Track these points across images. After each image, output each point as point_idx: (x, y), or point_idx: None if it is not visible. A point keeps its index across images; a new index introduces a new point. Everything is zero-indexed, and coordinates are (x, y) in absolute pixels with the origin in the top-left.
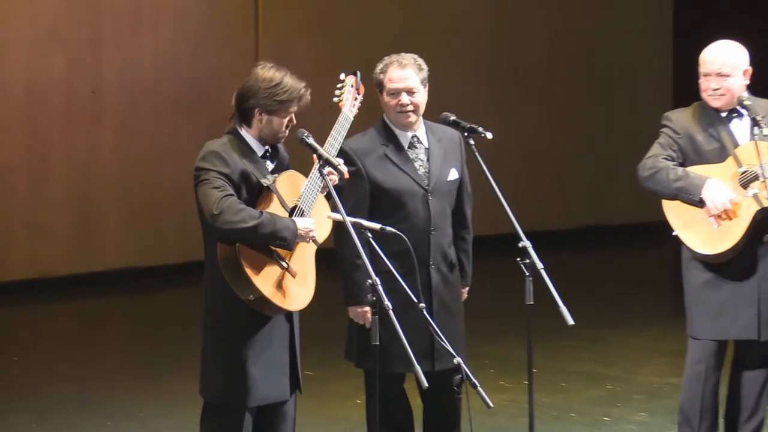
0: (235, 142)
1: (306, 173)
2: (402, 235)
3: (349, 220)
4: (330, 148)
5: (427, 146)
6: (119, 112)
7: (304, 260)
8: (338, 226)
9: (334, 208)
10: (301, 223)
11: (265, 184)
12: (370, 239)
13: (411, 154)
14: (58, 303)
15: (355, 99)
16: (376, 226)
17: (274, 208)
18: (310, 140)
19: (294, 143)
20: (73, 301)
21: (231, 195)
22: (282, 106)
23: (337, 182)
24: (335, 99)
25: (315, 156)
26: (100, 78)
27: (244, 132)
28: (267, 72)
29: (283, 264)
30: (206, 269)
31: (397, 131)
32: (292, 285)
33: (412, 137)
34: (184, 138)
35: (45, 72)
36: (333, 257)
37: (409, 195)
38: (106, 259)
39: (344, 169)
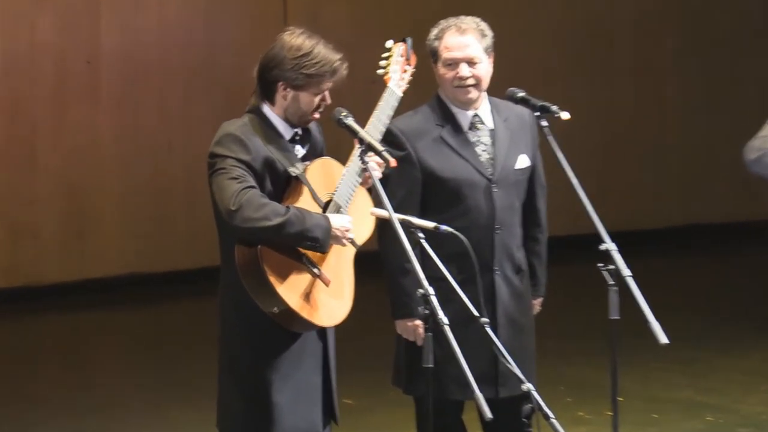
0: (258, 124)
1: (344, 161)
2: (460, 235)
3: (396, 216)
4: (374, 130)
5: (491, 127)
6: (119, 87)
7: (340, 266)
8: (383, 225)
9: (378, 203)
10: (337, 221)
11: (294, 174)
12: (422, 240)
13: (472, 136)
14: (45, 317)
15: (405, 71)
16: (429, 224)
17: (305, 202)
18: (349, 121)
19: (330, 125)
20: (63, 315)
21: (252, 187)
22: (311, 80)
23: (382, 171)
24: (380, 71)
25: (355, 140)
26: (96, 46)
27: (267, 110)
28: (296, 39)
29: (315, 270)
30: (222, 277)
31: (454, 109)
32: (325, 295)
33: (474, 116)
34: (197, 119)
35: (28, 37)
36: (376, 261)
37: (470, 186)
38: (103, 265)
39: (390, 155)
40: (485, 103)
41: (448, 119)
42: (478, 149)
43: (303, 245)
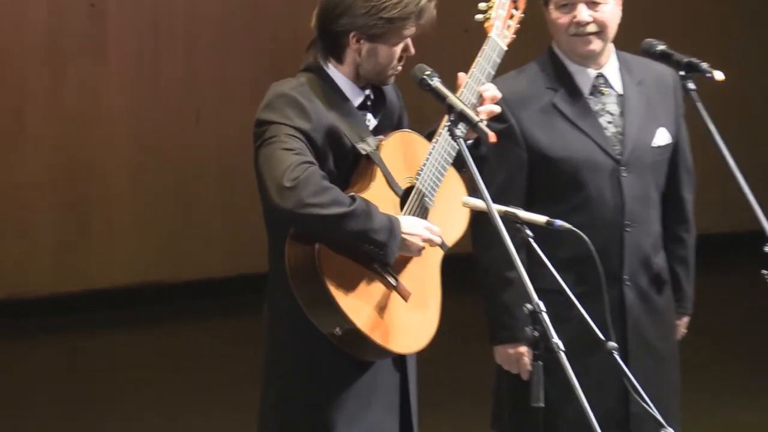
0: (319, 85)
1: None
2: (580, 233)
3: (496, 208)
4: (469, 95)
5: (620, 91)
6: (132, 40)
7: (422, 273)
8: (478, 220)
9: (474, 191)
10: (409, 225)
11: (364, 152)
12: (530, 240)
13: (594, 103)
14: (37, 336)
15: (510, 17)
16: (540, 218)
17: (377, 190)
18: (436, 82)
19: (410, 87)
20: (58, 333)
21: (312, 163)
22: (392, 26)
23: (479, 149)
24: (479, 17)
25: (445, 108)
26: None
27: (331, 69)
28: None
29: (390, 279)
30: (269, 286)
31: (572, 67)
32: (404, 313)
33: (597, 77)
34: (233, 78)
35: None
36: (470, 267)
37: (591, 169)
38: (111, 271)
39: (489, 130)
40: (612, 59)
41: (563, 81)
42: (603, 120)
43: (365, 250)
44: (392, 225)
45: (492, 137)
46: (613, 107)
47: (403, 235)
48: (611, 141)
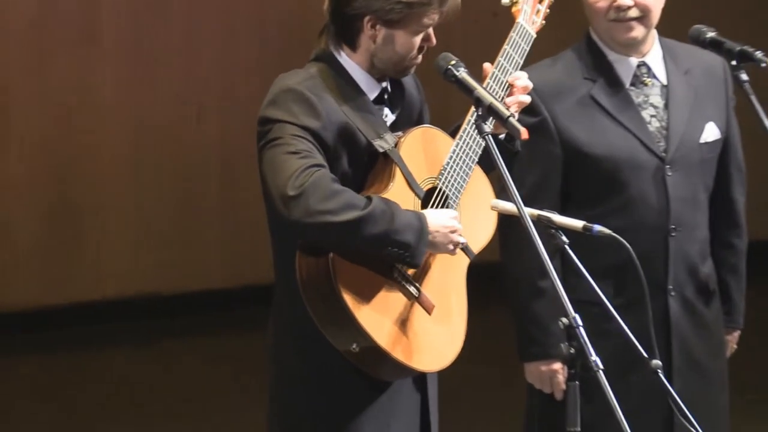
0: (331, 77)
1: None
2: (620, 239)
3: (528, 212)
4: (496, 87)
5: (664, 82)
6: (127, 23)
7: (447, 283)
8: (507, 224)
9: (503, 192)
10: (437, 219)
11: (381, 150)
12: (566, 247)
13: (636, 95)
14: (18, 353)
15: (540, 1)
16: (576, 223)
17: (397, 191)
18: (463, 73)
19: (432, 78)
20: (43, 350)
21: (320, 166)
22: (411, 12)
23: (509, 146)
24: (506, 2)
25: (473, 101)
26: None
27: (344, 59)
28: None
29: (411, 290)
30: (276, 299)
31: (611, 56)
32: (427, 327)
33: (639, 66)
34: (238, 67)
35: None
36: (497, 276)
37: (633, 168)
38: (101, 283)
39: (520, 125)
40: (656, 46)
41: (602, 70)
42: (646, 114)
43: (387, 253)
44: (420, 223)
45: (524, 133)
46: (656, 99)
47: (432, 231)
48: (655, 137)
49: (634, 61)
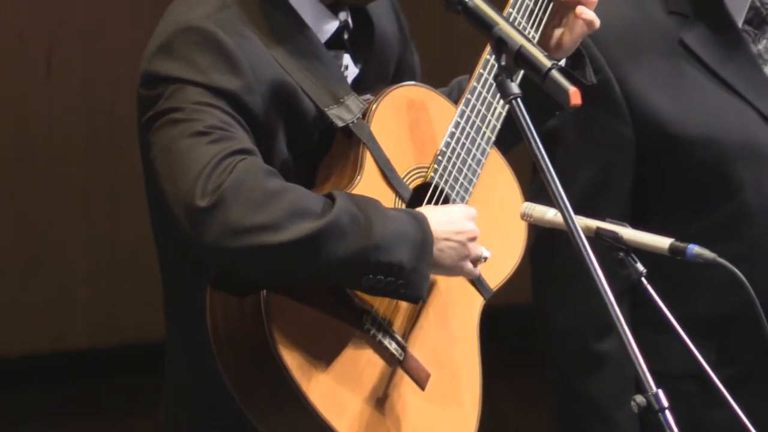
0: (257, 5)
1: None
2: (733, 269)
3: (581, 223)
4: (522, 20)
5: None
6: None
7: (448, 337)
8: (544, 245)
9: (540, 193)
10: (443, 220)
11: (341, 124)
12: (642, 281)
13: (756, 39)
14: None
15: None
16: (662, 242)
17: (366, 187)
18: None
19: (429, 17)
20: None
21: (246, 152)
22: None
23: (549, 117)
24: None
25: (492, 43)
26: None
27: None
28: None
29: (392, 348)
30: (167, 357)
31: None
32: (419, 409)
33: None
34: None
35: None
36: (525, 324)
37: (751, 159)
38: (30, 336)
39: (569, 83)
40: None
41: (700, 2)
42: None
43: (367, 285)
44: (419, 228)
45: (575, 96)
46: None
47: (438, 240)
48: None
49: None
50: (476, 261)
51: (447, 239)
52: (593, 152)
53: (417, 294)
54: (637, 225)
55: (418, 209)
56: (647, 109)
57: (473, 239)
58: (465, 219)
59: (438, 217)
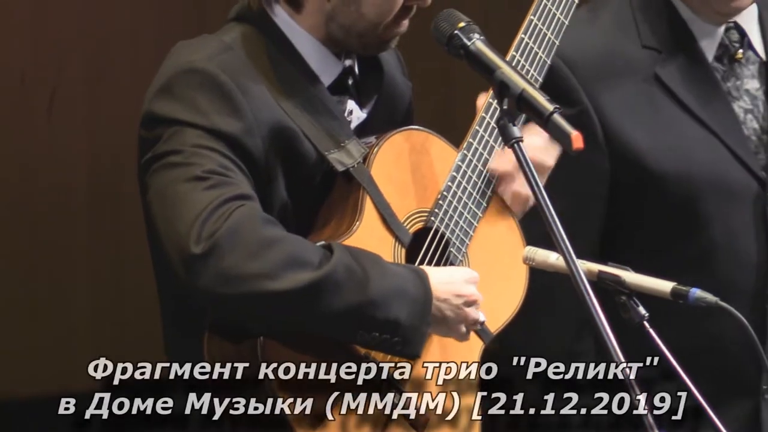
0: (261, 49)
1: (454, 139)
2: (735, 312)
3: (583, 267)
4: (526, 64)
5: (764, 57)
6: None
7: (450, 381)
8: (543, 289)
9: (537, 236)
10: (444, 281)
11: (341, 168)
12: (644, 324)
13: (725, 76)
14: None
15: None
16: (664, 285)
17: (365, 233)
18: (477, 42)
19: (421, 51)
20: None
21: (244, 198)
22: None
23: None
24: None
25: (494, 87)
26: None
27: (283, 19)
28: None
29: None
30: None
31: (685, 14)
32: None
33: (728, 31)
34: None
35: None
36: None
37: (720, 195)
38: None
39: (571, 128)
40: (752, 7)
41: (673, 36)
42: (739, 107)
43: (362, 340)
44: (421, 285)
45: (578, 140)
46: (753, 84)
47: (436, 301)
48: (752, 144)
49: (720, 30)
50: (472, 327)
51: (446, 300)
52: (570, 182)
53: (413, 352)
54: (607, 257)
55: (421, 267)
56: (624, 141)
57: (472, 304)
58: (466, 282)
59: (438, 277)
